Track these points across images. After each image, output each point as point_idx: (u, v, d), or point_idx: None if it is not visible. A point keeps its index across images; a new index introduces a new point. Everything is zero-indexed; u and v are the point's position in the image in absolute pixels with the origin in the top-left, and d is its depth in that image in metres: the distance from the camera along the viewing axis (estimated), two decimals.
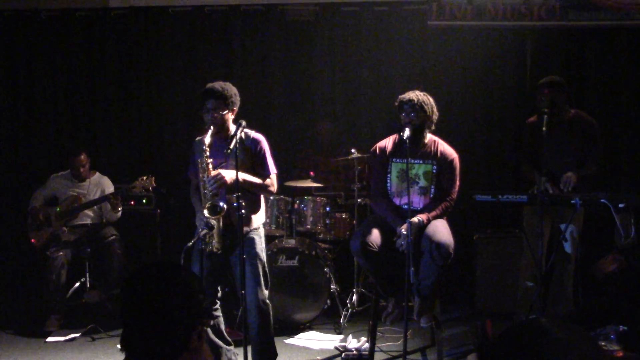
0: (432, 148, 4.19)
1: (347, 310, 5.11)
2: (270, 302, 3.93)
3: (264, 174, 3.90)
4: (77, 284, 5.37)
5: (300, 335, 4.91)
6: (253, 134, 3.92)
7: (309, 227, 5.26)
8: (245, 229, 3.77)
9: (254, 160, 3.89)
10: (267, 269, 3.95)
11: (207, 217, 3.61)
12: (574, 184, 4.34)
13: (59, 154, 6.20)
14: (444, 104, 4.92)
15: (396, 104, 4.17)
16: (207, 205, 3.64)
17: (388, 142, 4.30)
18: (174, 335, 1.68)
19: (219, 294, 3.98)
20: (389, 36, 6.11)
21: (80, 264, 5.37)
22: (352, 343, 4.61)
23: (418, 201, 4.17)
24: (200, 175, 3.76)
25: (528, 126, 4.81)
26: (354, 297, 5.20)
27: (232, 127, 3.85)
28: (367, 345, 4.39)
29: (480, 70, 6.05)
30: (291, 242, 5.08)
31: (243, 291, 3.73)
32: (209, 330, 3.77)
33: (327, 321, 5.15)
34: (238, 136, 3.64)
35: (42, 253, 5.33)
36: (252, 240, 3.87)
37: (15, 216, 6.10)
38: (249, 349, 3.80)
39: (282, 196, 5.17)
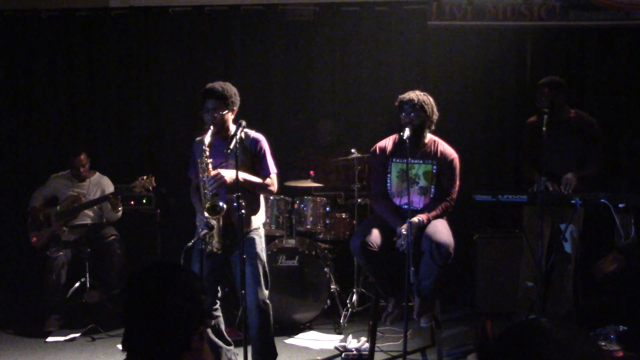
0: (432, 148, 4.19)
1: (347, 310, 5.11)
2: (270, 302, 3.94)
3: (264, 174, 3.90)
4: (77, 284, 5.38)
5: (300, 335, 4.91)
6: (253, 133, 3.92)
7: (309, 227, 5.26)
8: (245, 229, 3.78)
9: (254, 160, 3.89)
10: (267, 269, 3.95)
11: (207, 217, 3.61)
12: (574, 185, 4.34)
13: (59, 154, 6.20)
14: (444, 104, 4.92)
15: (396, 103, 4.17)
16: (207, 205, 3.64)
17: (388, 142, 4.30)
18: (176, 335, 1.69)
19: (219, 294, 3.98)
20: (389, 36, 6.11)
21: (80, 264, 5.37)
22: (352, 343, 4.62)
23: (418, 201, 4.17)
24: (200, 175, 3.76)
25: (528, 126, 4.81)
26: (354, 297, 5.20)
27: (232, 127, 3.85)
28: (367, 345, 4.39)
29: (480, 70, 6.05)
30: (291, 242, 5.08)
31: (243, 291, 3.73)
32: (209, 330, 3.78)
33: (327, 321, 5.15)
34: (238, 136, 3.64)
35: (42, 253, 5.33)
36: (252, 240, 3.87)
37: (15, 216, 6.10)
38: (249, 349, 3.81)
39: (282, 196, 5.17)
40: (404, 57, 6.10)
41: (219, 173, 3.67)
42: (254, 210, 3.94)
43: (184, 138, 6.03)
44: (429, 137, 4.21)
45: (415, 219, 3.97)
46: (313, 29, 6.24)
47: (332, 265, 5.29)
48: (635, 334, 3.96)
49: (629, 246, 4.04)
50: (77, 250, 5.34)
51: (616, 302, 4.42)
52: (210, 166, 3.70)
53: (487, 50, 6.02)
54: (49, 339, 4.92)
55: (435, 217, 4.08)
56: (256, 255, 3.87)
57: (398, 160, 4.21)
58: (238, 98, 3.87)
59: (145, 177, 5.17)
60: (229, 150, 3.56)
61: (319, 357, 4.48)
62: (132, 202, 5.82)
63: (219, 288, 3.97)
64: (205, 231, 3.59)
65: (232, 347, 4.01)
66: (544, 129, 4.20)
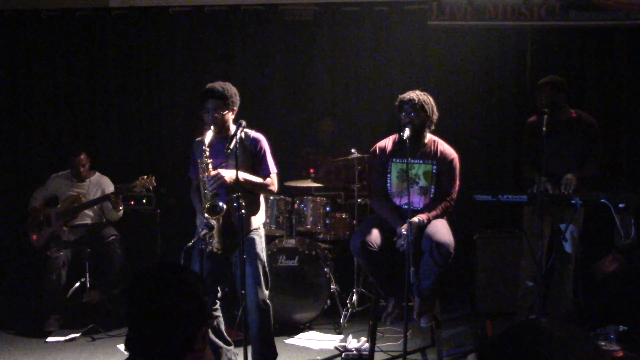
0: (432, 148, 4.18)
1: (347, 310, 5.11)
2: (270, 302, 3.93)
3: (264, 174, 3.90)
4: (77, 284, 5.38)
5: (300, 335, 4.91)
6: (253, 133, 3.92)
7: (309, 227, 5.26)
8: (245, 229, 3.77)
9: (254, 160, 3.90)
10: (267, 269, 3.95)
11: (207, 217, 3.61)
12: (574, 185, 4.34)
13: (59, 154, 6.20)
14: (444, 104, 4.91)
15: (396, 103, 4.17)
16: (207, 206, 3.64)
17: (388, 142, 4.29)
18: (179, 336, 1.69)
19: (219, 294, 3.98)
20: (389, 36, 6.11)
21: (80, 264, 5.37)
22: (352, 343, 4.62)
23: (418, 201, 4.17)
24: (201, 175, 3.76)
25: (528, 126, 4.80)
26: (354, 297, 5.20)
27: (232, 127, 3.85)
28: (367, 345, 4.39)
29: (480, 70, 6.05)
30: (291, 242, 5.09)
31: (243, 291, 3.73)
32: (209, 330, 3.77)
33: (327, 321, 5.15)
34: (238, 136, 3.64)
35: (42, 253, 5.33)
36: (252, 241, 3.88)
37: (15, 216, 6.10)
38: (249, 349, 3.81)
39: (282, 196, 5.17)
40: (404, 57, 6.10)
41: (219, 173, 3.67)
42: (254, 210, 3.94)
43: (184, 138, 6.02)
44: (429, 137, 4.21)
45: (415, 219, 3.97)
46: (313, 29, 6.23)
47: (332, 265, 5.29)
48: (635, 334, 3.96)
49: (629, 246, 4.04)
50: (77, 250, 5.35)
51: (616, 302, 4.42)
52: (210, 166, 3.70)
53: (487, 50, 6.02)
54: (49, 339, 4.92)
55: (436, 217, 4.07)
56: (256, 256, 3.87)
57: (398, 160, 4.21)
58: (238, 98, 3.87)
59: (145, 177, 5.17)
60: (229, 150, 3.56)
61: (319, 357, 4.48)
62: (132, 202, 5.82)
63: (219, 288, 3.97)
64: (205, 231, 3.59)
65: (232, 347, 4.00)
66: (544, 129, 4.19)
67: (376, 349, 4.32)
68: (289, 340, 4.78)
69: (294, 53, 6.27)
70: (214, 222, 3.63)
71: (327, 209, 5.31)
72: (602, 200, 3.77)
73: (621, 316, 4.15)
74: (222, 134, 3.82)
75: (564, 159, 4.54)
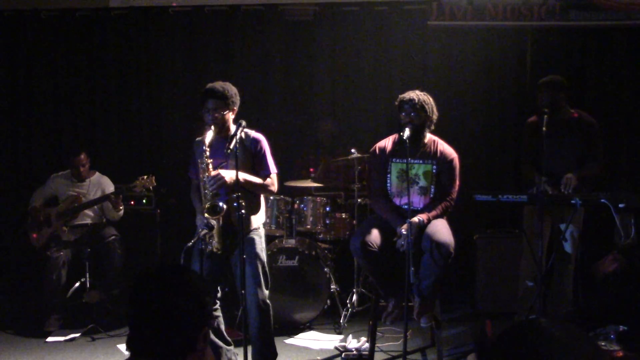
0: (432, 148, 4.18)
1: (347, 310, 5.11)
2: (270, 302, 3.94)
3: (265, 174, 3.91)
4: (77, 284, 5.37)
5: (300, 335, 4.91)
6: (253, 133, 3.92)
7: (309, 227, 5.26)
8: (245, 228, 3.77)
9: (254, 160, 3.90)
10: (267, 269, 3.95)
11: (207, 217, 3.61)
12: (574, 185, 4.34)
13: (59, 154, 6.20)
14: (444, 104, 4.91)
15: (396, 103, 4.17)
16: (207, 206, 3.64)
17: (387, 142, 4.29)
18: (182, 336, 1.70)
19: (219, 294, 3.98)
20: (389, 36, 6.11)
21: (80, 264, 5.37)
22: (352, 343, 4.62)
23: (418, 201, 4.17)
24: (201, 175, 3.76)
25: (528, 126, 4.80)
26: (354, 297, 5.20)
27: (233, 127, 3.85)
28: (367, 345, 4.39)
29: (480, 70, 6.05)
30: (291, 242, 5.09)
31: (243, 291, 3.74)
32: None
33: (327, 321, 5.15)
34: (238, 136, 3.64)
35: (42, 253, 5.33)
36: (252, 240, 3.88)
37: (15, 216, 6.10)
38: (249, 349, 3.81)
39: (282, 196, 5.17)
40: (404, 57, 6.10)
41: (219, 173, 3.67)
42: (254, 210, 3.94)
43: (184, 138, 6.02)
44: (429, 137, 4.21)
45: (415, 219, 3.97)
46: (313, 29, 6.23)
47: (332, 265, 5.29)
48: (635, 334, 3.96)
49: (629, 246, 4.04)
50: (77, 250, 5.34)
51: (616, 302, 4.42)
52: (210, 166, 3.71)
53: (487, 50, 6.02)
54: (49, 339, 4.92)
55: (436, 217, 4.07)
56: (256, 255, 3.87)
57: (398, 160, 4.21)
58: (238, 98, 3.88)
59: (145, 177, 5.17)
60: (228, 151, 3.56)
61: (319, 357, 4.48)
62: (132, 202, 5.82)
63: (219, 288, 3.97)
64: (205, 231, 3.59)
65: (232, 347, 4.01)
66: (544, 129, 4.19)
67: (376, 349, 4.32)
68: (289, 340, 4.78)
69: (294, 53, 6.27)
70: (214, 222, 3.63)
71: (327, 209, 5.31)
72: (602, 200, 3.77)
73: (621, 316, 4.15)
74: (223, 134, 3.82)
75: (564, 159, 4.54)
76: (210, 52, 6.28)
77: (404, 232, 3.88)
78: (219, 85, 3.80)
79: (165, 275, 1.79)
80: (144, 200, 5.84)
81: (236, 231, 3.67)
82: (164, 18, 6.29)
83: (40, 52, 6.38)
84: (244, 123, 3.73)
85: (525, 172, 4.75)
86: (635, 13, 5.68)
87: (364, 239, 3.96)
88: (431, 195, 4.16)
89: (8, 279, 6.10)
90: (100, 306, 5.31)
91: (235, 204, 3.58)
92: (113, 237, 5.44)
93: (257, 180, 3.85)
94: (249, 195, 3.83)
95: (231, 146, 3.56)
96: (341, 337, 4.84)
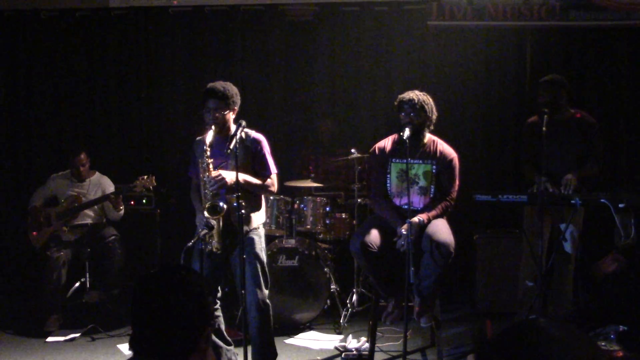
0: (432, 148, 4.18)
1: (347, 310, 5.11)
2: (270, 302, 3.94)
3: (265, 174, 3.91)
4: (77, 284, 5.38)
5: (300, 335, 4.91)
6: (253, 134, 3.92)
7: (309, 227, 5.26)
8: (245, 228, 3.78)
9: (254, 160, 3.90)
10: (267, 269, 3.95)
11: (207, 217, 3.62)
12: (575, 185, 4.34)
13: (59, 154, 6.20)
14: (444, 103, 4.92)
15: (396, 103, 4.17)
16: (207, 206, 3.64)
17: (387, 142, 4.29)
18: (185, 337, 1.72)
19: (219, 294, 3.98)
20: (389, 36, 6.11)
21: (80, 264, 5.37)
22: (352, 343, 4.61)
23: (418, 201, 4.17)
24: (201, 175, 3.76)
25: (528, 126, 4.80)
26: (354, 297, 5.20)
27: (233, 127, 3.85)
28: (367, 345, 4.39)
29: (480, 70, 6.05)
30: (291, 242, 5.08)
31: (243, 291, 3.74)
32: None
33: (327, 321, 5.15)
34: (238, 136, 3.64)
35: (42, 253, 5.33)
36: (252, 240, 3.88)
37: (15, 216, 6.10)
38: (249, 349, 3.81)
39: (282, 196, 5.17)
40: (404, 57, 6.10)
41: (220, 174, 3.67)
42: (255, 209, 3.94)
43: (184, 138, 6.03)
44: (428, 137, 4.21)
45: (415, 219, 3.97)
46: (313, 29, 6.24)
47: (332, 265, 5.29)
48: (635, 334, 3.96)
49: (629, 246, 4.03)
50: (77, 250, 5.34)
51: (616, 302, 4.42)
52: (211, 166, 3.70)
53: (487, 50, 6.02)
54: (49, 339, 4.92)
55: (436, 217, 4.07)
56: (256, 255, 3.87)
57: (397, 161, 4.21)
58: (239, 98, 3.88)
59: (145, 177, 5.17)
60: (228, 151, 3.56)
61: (319, 357, 4.48)
62: (132, 202, 5.82)
63: (219, 288, 3.97)
64: (205, 231, 3.59)
65: (232, 347, 4.00)
66: (544, 128, 4.19)
67: (376, 349, 4.32)
68: (289, 340, 4.78)
69: (294, 53, 6.27)
70: (214, 222, 3.63)
71: (327, 209, 5.31)
72: (602, 200, 3.78)
73: (621, 316, 4.15)
74: (223, 134, 3.82)
75: (564, 159, 4.54)
76: (211, 52, 6.28)
77: (404, 232, 3.88)
78: (219, 85, 3.81)
79: (167, 276, 1.80)
80: (144, 200, 5.85)
81: (236, 231, 3.67)
82: (164, 18, 6.29)
83: (40, 52, 6.37)
84: (244, 123, 3.73)
85: (526, 173, 4.75)
86: (635, 13, 5.68)
87: (363, 240, 3.96)
88: (431, 195, 4.16)
89: (8, 279, 6.10)
90: (100, 306, 5.32)
91: (235, 204, 3.58)
92: (113, 237, 5.44)
93: (257, 181, 3.85)
94: (250, 195, 3.84)
95: (231, 146, 3.56)
96: (341, 337, 4.84)
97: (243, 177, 3.70)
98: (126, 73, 6.38)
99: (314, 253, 5.03)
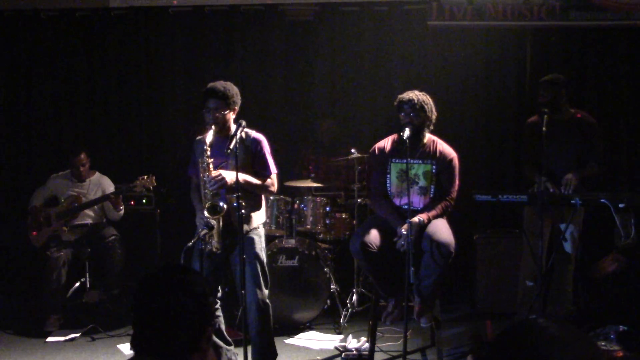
0: (431, 148, 4.18)
1: (347, 310, 5.11)
2: (270, 302, 3.94)
3: (265, 174, 3.91)
4: (77, 284, 5.38)
5: (300, 335, 4.91)
6: (254, 134, 3.92)
7: (309, 227, 5.26)
8: (245, 228, 3.78)
9: (254, 160, 3.90)
10: (266, 268, 3.95)
11: (207, 217, 3.62)
12: (575, 185, 4.34)
13: (59, 154, 6.20)
14: (444, 103, 4.91)
15: (395, 103, 4.17)
16: (207, 205, 3.64)
17: (387, 142, 4.29)
18: (186, 336, 1.72)
19: (219, 294, 3.98)
20: (389, 36, 6.11)
21: (80, 264, 5.38)
22: (352, 343, 4.61)
23: (418, 201, 4.17)
24: (201, 174, 3.76)
25: (528, 126, 4.80)
26: (354, 297, 5.20)
27: (233, 127, 3.85)
28: (367, 345, 4.39)
29: (480, 70, 6.05)
30: (291, 242, 5.08)
31: (243, 291, 3.74)
32: None
33: (327, 321, 5.15)
34: (238, 136, 3.64)
35: (42, 253, 5.33)
36: (252, 240, 3.88)
37: (15, 216, 6.10)
38: (249, 349, 3.81)
39: (282, 196, 5.17)
40: (404, 57, 6.10)
41: (220, 174, 3.67)
42: (255, 209, 3.94)
43: (184, 138, 6.03)
44: (428, 136, 4.21)
45: (415, 219, 3.97)
46: (313, 29, 6.24)
47: (332, 265, 5.29)
48: (635, 334, 3.96)
49: (629, 246, 4.04)
50: (77, 250, 5.34)
51: (616, 302, 4.42)
52: (211, 166, 3.70)
53: (487, 50, 6.02)
54: (49, 339, 4.92)
55: (436, 217, 4.07)
56: (256, 255, 3.87)
57: (397, 161, 4.21)
58: (239, 98, 3.88)
59: (145, 177, 5.17)
60: (228, 150, 3.56)
61: (319, 357, 4.48)
62: (132, 202, 5.82)
63: (219, 288, 3.97)
64: (205, 231, 3.59)
65: (232, 347, 4.00)
66: (544, 128, 4.19)
67: (376, 349, 4.32)
68: (289, 340, 4.78)
69: (294, 53, 6.27)
70: (213, 222, 3.63)
71: (327, 209, 5.31)
72: (602, 200, 3.78)
73: (621, 316, 4.15)
74: (223, 134, 3.82)
75: (564, 159, 4.54)
76: (211, 52, 6.28)
77: (404, 232, 3.88)
78: (220, 84, 3.81)
79: (169, 276, 1.81)
80: (144, 200, 5.85)
81: (236, 231, 3.67)
82: (164, 18, 6.29)
83: (40, 52, 6.37)
84: (244, 123, 3.73)
85: (527, 173, 4.75)
86: (635, 13, 5.67)
87: (363, 240, 3.96)
88: (431, 195, 4.16)
89: (8, 279, 6.10)
90: (100, 306, 5.32)
91: (235, 204, 3.58)
92: (113, 237, 5.44)
93: (257, 181, 3.85)
94: (250, 194, 3.84)
95: (231, 146, 3.56)
96: (341, 337, 4.84)
97: (243, 177, 3.70)
98: (126, 73, 6.38)
99: (314, 253, 5.03)
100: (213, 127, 3.74)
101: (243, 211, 3.57)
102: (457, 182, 4.20)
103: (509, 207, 5.46)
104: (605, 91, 5.90)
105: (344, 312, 5.08)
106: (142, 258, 5.68)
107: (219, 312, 3.99)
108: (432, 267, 3.92)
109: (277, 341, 4.13)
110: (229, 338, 4.03)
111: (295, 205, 5.22)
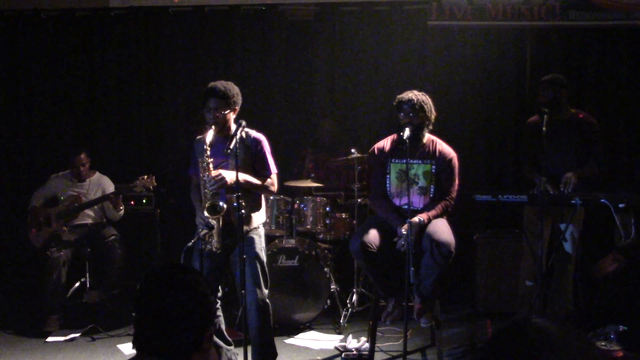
0: (431, 148, 4.18)
1: (347, 310, 5.11)
2: (270, 302, 3.94)
3: (265, 174, 3.91)
4: (77, 284, 5.38)
5: (300, 335, 4.91)
6: (254, 133, 3.92)
7: (309, 227, 5.26)
8: (245, 228, 3.78)
9: (254, 160, 3.90)
10: (266, 268, 3.95)
11: (207, 217, 3.62)
12: (574, 184, 4.34)
13: (59, 154, 6.20)
14: (444, 104, 4.92)
15: (394, 103, 4.17)
16: (207, 205, 3.64)
17: (386, 143, 4.29)
18: (188, 336, 1.73)
19: (219, 294, 3.98)
20: (389, 36, 6.11)
21: (80, 264, 5.37)
22: (352, 343, 4.61)
23: (418, 201, 4.17)
24: (201, 174, 3.76)
25: (528, 126, 4.80)
26: (354, 297, 5.20)
27: (233, 127, 3.85)
28: (367, 345, 4.39)
29: (480, 70, 6.04)
30: (291, 242, 5.08)
31: (243, 291, 3.74)
32: None
33: (327, 321, 5.15)
34: (238, 136, 3.64)
35: (42, 253, 5.33)
36: (252, 240, 3.88)
37: (15, 216, 6.10)
38: (249, 349, 3.81)
39: (282, 196, 5.17)
40: (404, 57, 6.09)
41: (220, 174, 3.67)
42: (255, 209, 3.94)
43: (184, 138, 6.03)
44: (428, 136, 4.21)
45: (415, 219, 3.97)
46: (313, 29, 6.24)
47: (332, 265, 5.29)
48: (635, 334, 3.96)
49: (629, 246, 4.03)
50: (77, 250, 5.34)
51: (616, 302, 4.42)
52: (211, 165, 3.70)
53: (487, 50, 6.01)
54: (49, 339, 4.92)
55: (436, 217, 4.07)
56: (256, 255, 3.87)
57: (397, 161, 4.21)
58: (240, 98, 3.88)
59: (145, 177, 5.18)
60: (228, 150, 3.56)
61: (319, 357, 4.48)
62: (132, 202, 5.82)
63: (219, 288, 3.97)
64: (205, 231, 3.59)
65: (232, 347, 4.00)
66: (544, 128, 4.19)
67: (376, 349, 4.32)
68: (289, 340, 4.78)
69: (294, 53, 6.27)
70: (213, 222, 3.63)
71: (327, 209, 5.31)
72: (602, 200, 3.77)
73: (621, 316, 4.15)
74: (223, 134, 3.82)
75: (564, 159, 4.54)
76: (211, 52, 6.28)
77: (404, 232, 3.88)
78: (221, 84, 3.81)
79: (171, 275, 1.81)
80: (144, 200, 5.85)
81: (236, 231, 3.67)
82: (164, 18, 6.29)
83: (40, 52, 6.38)
84: (244, 123, 3.73)
85: (527, 173, 4.75)
86: (635, 13, 5.67)
87: (363, 240, 3.96)
88: (431, 195, 4.16)
89: (8, 279, 6.10)
90: (100, 306, 5.32)
91: (235, 204, 3.58)
92: (113, 237, 5.44)
93: (257, 181, 3.85)
94: (250, 194, 3.84)
95: (231, 146, 3.56)
96: (341, 337, 4.84)
97: (243, 176, 3.70)
98: (126, 73, 6.38)
99: (314, 253, 5.03)
100: (213, 126, 3.74)
101: (243, 211, 3.57)
102: (456, 181, 4.20)
103: (509, 207, 5.46)
104: (605, 91, 5.90)
105: (344, 312, 5.08)
106: (142, 258, 5.68)
107: (220, 312, 3.99)
108: (432, 267, 3.92)
109: (277, 341, 4.13)
110: (229, 338, 4.03)
111: (295, 205, 5.22)
